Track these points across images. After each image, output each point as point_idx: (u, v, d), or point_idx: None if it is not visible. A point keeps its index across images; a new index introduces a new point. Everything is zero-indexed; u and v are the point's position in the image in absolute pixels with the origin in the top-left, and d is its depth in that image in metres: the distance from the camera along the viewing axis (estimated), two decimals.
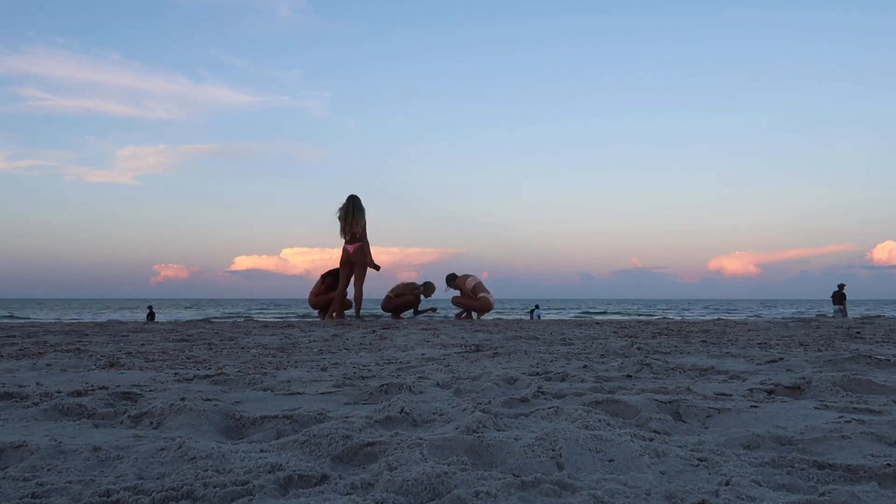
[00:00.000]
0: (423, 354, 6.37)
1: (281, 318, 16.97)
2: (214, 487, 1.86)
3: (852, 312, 27.21)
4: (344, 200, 12.78)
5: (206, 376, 4.48)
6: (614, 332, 10.10)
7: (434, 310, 14.67)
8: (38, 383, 4.13)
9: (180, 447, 2.25)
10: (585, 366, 5.13)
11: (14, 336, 9.03)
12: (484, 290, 14.11)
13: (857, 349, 6.39)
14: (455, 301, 14.38)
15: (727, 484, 1.87)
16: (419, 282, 14.43)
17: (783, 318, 18.03)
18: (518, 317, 26.71)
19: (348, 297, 12.96)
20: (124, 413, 3.04)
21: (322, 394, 3.78)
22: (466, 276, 14.20)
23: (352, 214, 12.60)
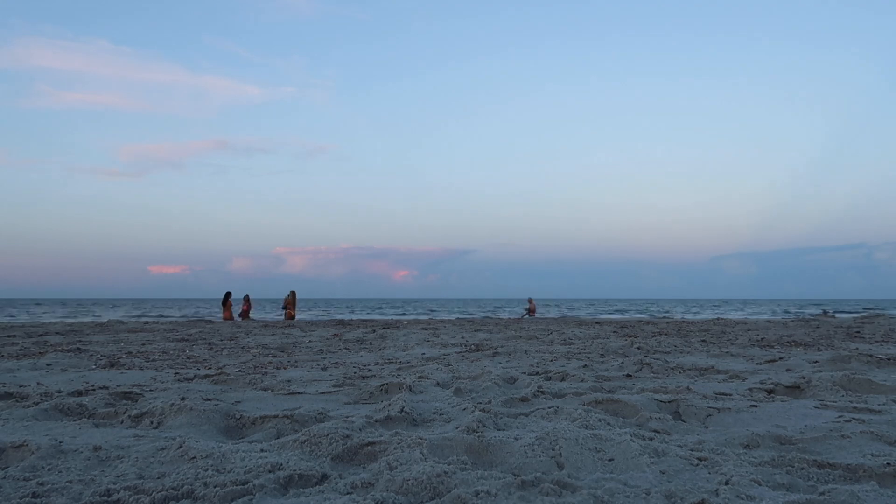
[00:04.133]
0: (423, 354, 6.38)
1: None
2: (215, 487, 1.87)
3: (852, 312, 27.23)
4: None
5: (207, 376, 4.48)
6: (614, 332, 10.11)
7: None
8: (38, 383, 4.13)
9: (180, 447, 2.26)
10: (585, 365, 5.13)
11: (14, 336, 9.03)
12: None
13: (857, 349, 6.40)
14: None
15: (727, 483, 1.88)
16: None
17: (783, 318, 18.05)
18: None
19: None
20: (125, 413, 3.04)
21: (322, 393, 3.78)
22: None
23: None
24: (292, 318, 18.60)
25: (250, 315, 18.94)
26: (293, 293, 19.04)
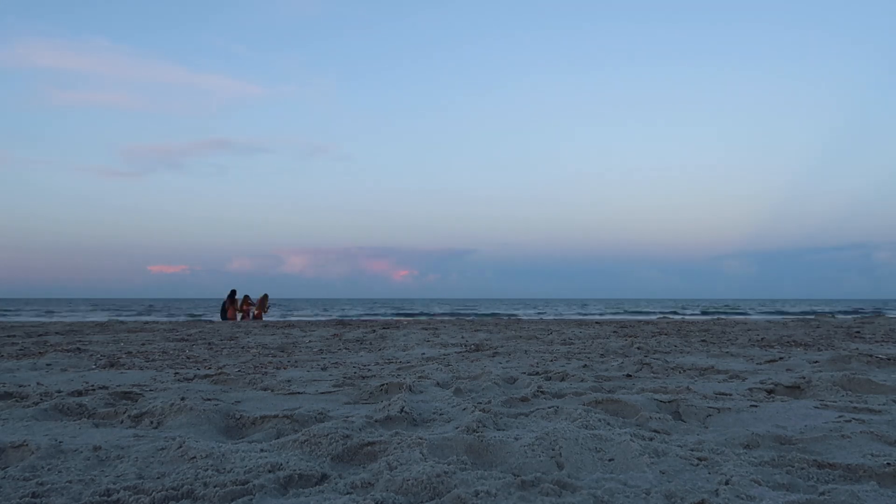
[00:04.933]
0: (423, 354, 6.38)
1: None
2: (214, 487, 1.86)
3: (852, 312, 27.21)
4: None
5: (206, 376, 4.48)
6: (614, 332, 10.11)
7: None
8: (38, 383, 4.13)
9: (180, 447, 2.26)
10: (585, 365, 5.13)
11: (14, 336, 9.03)
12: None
13: (857, 349, 6.40)
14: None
15: (727, 483, 1.88)
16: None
17: (783, 318, 18.05)
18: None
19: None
20: (124, 413, 3.04)
21: (322, 393, 3.78)
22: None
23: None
24: (258, 317, 18.74)
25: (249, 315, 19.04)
26: (266, 295, 19.34)
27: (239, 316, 18.56)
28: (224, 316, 18.54)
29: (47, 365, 5.16)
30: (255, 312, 18.96)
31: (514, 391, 3.77)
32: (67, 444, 2.34)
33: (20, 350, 6.59)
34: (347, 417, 2.86)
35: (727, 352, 6.35)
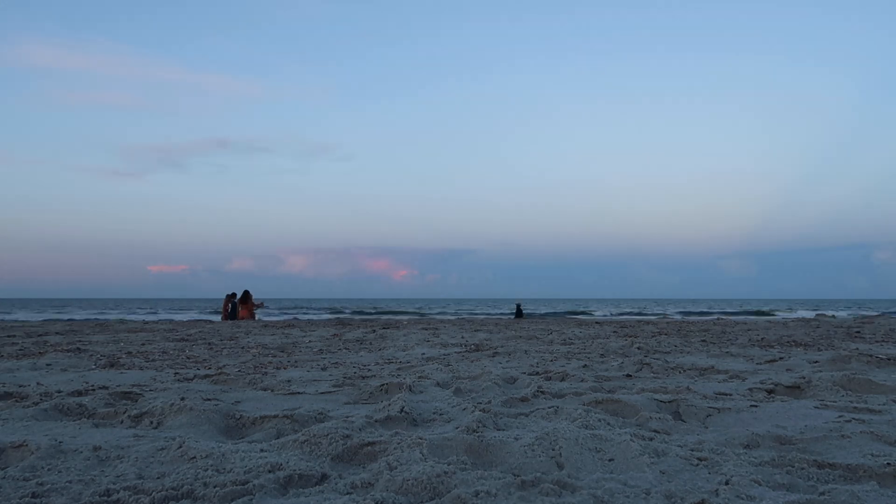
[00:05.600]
0: (423, 354, 6.38)
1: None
2: (214, 487, 1.86)
3: (852, 312, 27.18)
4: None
5: (206, 376, 4.48)
6: (614, 332, 10.11)
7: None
8: (38, 383, 4.13)
9: (180, 447, 2.26)
10: (585, 365, 5.13)
11: (14, 336, 9.03)
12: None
13: (857, 349, 6.40)
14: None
15: (727, 483, 1.88)
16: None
17: (783, 318, 18.05)
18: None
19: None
20: (124, 413, 3.04)
21: (322, 393, 3.78)
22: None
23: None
24: (243, 318, 18.59)
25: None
26: (246, 292, 19.08)
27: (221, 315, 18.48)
28: (233, 316, 18.39)
29: (47, 365, 5.16)
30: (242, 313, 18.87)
31: (514, 391, 3.77)
32: (67, 444, 2.34)
33: (20, 350, 6.59)
34: (347, 417, 2.86)
35: (727, 352, 6.35)
